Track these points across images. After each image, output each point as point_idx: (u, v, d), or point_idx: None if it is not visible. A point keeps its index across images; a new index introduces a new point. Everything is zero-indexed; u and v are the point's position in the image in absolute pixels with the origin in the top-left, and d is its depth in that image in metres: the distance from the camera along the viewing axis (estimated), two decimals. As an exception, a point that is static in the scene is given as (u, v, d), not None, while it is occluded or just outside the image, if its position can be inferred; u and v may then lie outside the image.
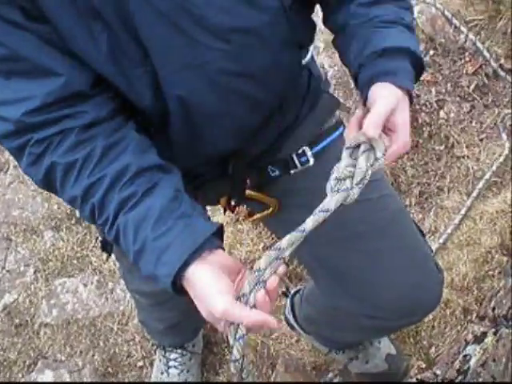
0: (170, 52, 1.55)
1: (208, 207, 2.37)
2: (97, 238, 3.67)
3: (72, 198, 1.58)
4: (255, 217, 2.14)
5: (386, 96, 1.58)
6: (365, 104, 1.64)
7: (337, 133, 2.07)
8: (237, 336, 1.42)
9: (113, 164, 1.54)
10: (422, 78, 3.79)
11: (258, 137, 1.88)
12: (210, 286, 1.41)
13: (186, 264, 1.43)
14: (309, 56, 2.00)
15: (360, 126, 1.56)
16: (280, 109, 1.87)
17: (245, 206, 2.20)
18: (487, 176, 3.45)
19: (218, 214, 3.30)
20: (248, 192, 2.04)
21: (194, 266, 1.43)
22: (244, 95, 1.73)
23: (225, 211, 2.16)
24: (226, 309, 1.37)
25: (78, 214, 1.64)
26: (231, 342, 1.44)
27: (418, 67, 1.73)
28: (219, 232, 1.55)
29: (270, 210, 2.06)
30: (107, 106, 1.59)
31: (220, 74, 1.62)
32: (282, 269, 1.46)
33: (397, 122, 1.58)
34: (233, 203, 2.09)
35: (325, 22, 1.87)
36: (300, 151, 1.97)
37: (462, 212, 3.37)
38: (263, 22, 1.64)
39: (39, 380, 3.28)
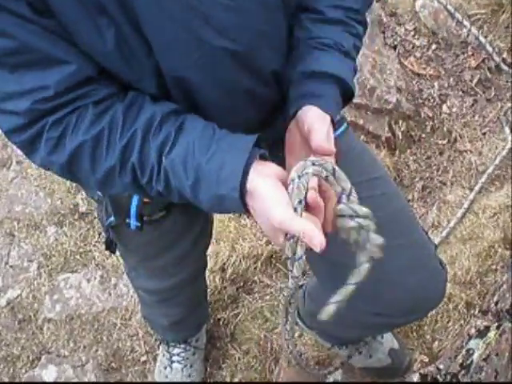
0: (173, 48, 1.54)
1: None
2: (100, 233, 3.67)
3: (109, 170, 1.54)
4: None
5: (319, 124, 1.60)
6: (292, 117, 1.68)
7: (341, 129, 2.07)
8: (296, 256, 1.47)
9: (138, 119, 1.53)
10: (422, 72, 3.82)
11: (264, 130, 1.88)
12: (270, 197, 1.41)
13: (245, 174, 1.43)
14: None
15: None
16: (284, 105, 1.88)
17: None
18: (490, 170, 3.45)
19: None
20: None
21: (253, 177, 1.43)
22: (248, 92, 1.73)
23: None
24: (284, 219, 1.37)
25: (115, 188, 1.56)
26: (289, 257, 1.47)
27: (346, 94, 1.75)
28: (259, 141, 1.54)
29: None
30: (116, 84, 1.59)
31: (224, 70, 1.62)
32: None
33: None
34: None
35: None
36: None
37: (465, 206, 3.37)
38: (268, 21, 1.65)
39: (43, 375, 3.28)
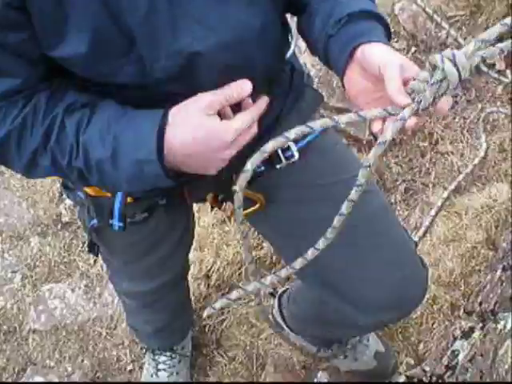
0: (157, 42, 1.55)
1: (195, 207, 2.40)
2: (83, 242, 3.67)
3: (32, 153, 1.59)
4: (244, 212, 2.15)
5: (385, 54, 1.50)
6: (343, 72, 1.59)
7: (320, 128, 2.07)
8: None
9: (60, 104, 1.58)
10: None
11: None
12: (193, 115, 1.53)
13: (161, 135, 1.50)
14: (291, 51, 1.99)
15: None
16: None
17: (232, 202, 2.20)
18: (468, 170, 3.46)
19: (205, 215, 3.30)
20: (234, 188, 2.04)
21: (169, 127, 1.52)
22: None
23: (212, 208, 2.17)
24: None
25: (37, 172, 1.67)
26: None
27: (386, 28, 1.68)
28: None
29: (257, 205, 2.05)
30: (47, 80, 1.62)
31: (206, 65, 1.62)
32: None
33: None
34: (220, 199, 2.09)
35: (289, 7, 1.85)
36: (285, 146, 1.96)
37: (439, 204, 3.40)
38: (250, 13, 1.65)
39: (29, 385, 3.28)
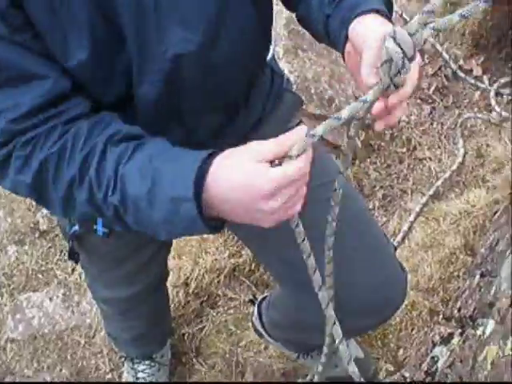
0: (144, 43, 1.57)
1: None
2: (61, 250, 3.67)
3: (70, 181, 1.51)
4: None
5: (367, 29, 1.46)
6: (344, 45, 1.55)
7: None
8: None
9: (101, 134, 1.53)
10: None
11: (223, 135, 1.87)
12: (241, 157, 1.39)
13: (201, 176, 1.38)
14: (270, 54, 2.01)
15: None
16: (245, 106, 1.88)
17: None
18: (446, 175, 3.48)
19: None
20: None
21: (213, 168, 1.39)
22: (210, 90, 1.75)
23: None
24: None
25: (74, 208, 1.57)
26: None
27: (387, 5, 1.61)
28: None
29: None
30: (86, 102, 1.60)
31: (190, 67, 1.65)
32: None
33: None
34: None
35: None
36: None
37: (417, 209, 3.41)
38: (231, 11, 1.66)
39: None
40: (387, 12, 1.54)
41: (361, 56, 1.42)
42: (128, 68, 1.61)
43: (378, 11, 1.50)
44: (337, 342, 2.38)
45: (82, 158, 1.49)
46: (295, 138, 1.38)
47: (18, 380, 3.29)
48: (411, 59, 1.29)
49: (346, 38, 1.53)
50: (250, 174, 1.36)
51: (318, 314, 2.13)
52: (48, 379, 3.28)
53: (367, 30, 1.45)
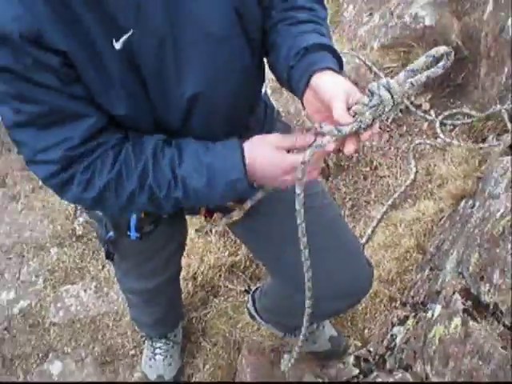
0: (164, 87, 1.62)
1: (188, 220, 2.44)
2: (93, 251, 3.69)
3: (130, 194, 1.62)
4: (226, 221, 2.16)
5: (332, 83, 1.53)
6: (302, 96, 1.61)
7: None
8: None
9: (145, 151, 1.62)
10: (349, 115, 3.85)
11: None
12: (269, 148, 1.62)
13: (243, 159, 1.61)
14: (264, 90, 2.02)
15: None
16: (246, 131, 1.89)
17: (219, 213, 2.21)
18: (402, 189, 3.49)
19: (191, 229, 3.30)
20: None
21: (248, 155, 1.62)
22: (218, 118, 1.78)
23: (205, 218, 2.18)
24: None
25: (134, 207, 1.74)
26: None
27: (338, 59, 1.68)
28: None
29: (238, 216, 2.07)
30: (120, 129, 1.66)
31: (199, 102, 1.68)
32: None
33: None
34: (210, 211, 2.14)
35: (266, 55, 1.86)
36: None
37: (378, 217, 3.41)
38: (237, 57, 1.71)
39: (51, 369, 3.25)
40: (339, 70, 1.61)
41: (325, 103, 1.49)
42: (152, 109, 1.64)
43: (332, 69, 1.56)
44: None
45: (139, 173, 1.60)
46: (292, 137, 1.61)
47: (59, 355, 3.29)
48: (398, 105, 1.40)
49: (305, 87, 1.58)
50: (274, 157, 1.61)
51: (302, 301, 2.14)
52: (83, 355, 3.28)
53: (332, 85, 1.51)
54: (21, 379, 3.24)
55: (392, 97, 1.40)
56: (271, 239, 1.97)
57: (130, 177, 1.61)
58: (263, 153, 1.63)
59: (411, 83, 1.42)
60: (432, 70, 1.43)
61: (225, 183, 1.62)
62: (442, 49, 1.44)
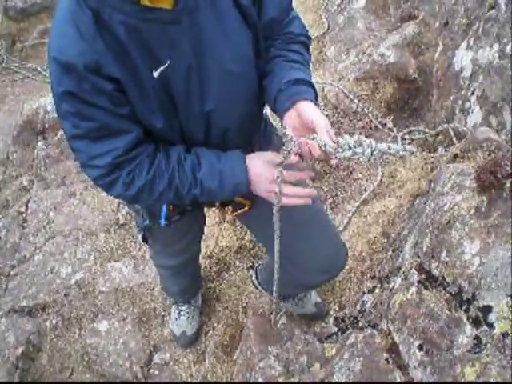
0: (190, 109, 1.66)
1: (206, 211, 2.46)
2: (132, 235, 3.70)
3: (161, 192, 1.69)
4: (236, 213, 2.17)
5: (317, 114, 1.60)
6: (284, 113, 1.68)
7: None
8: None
9: (172, 158, 1.68)
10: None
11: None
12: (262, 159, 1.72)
13: (246, 167, 1.70)
14: (264, 111, 2.04)
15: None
16: (249, 144, 1.92)
17: (230, 206, 2.23)
18: (371, 189, 3.50)
19: (208, 219, 3.32)
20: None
21: (249, 163, 1.71)
22: (232, 136, 1.81)
23: (219, 210, 2.24)
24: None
25: (162, 201, 1.86)
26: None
27: (315, 92, 1.76)
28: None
29: (246, 207, 2.09)
30: (153, 141, 1.71)
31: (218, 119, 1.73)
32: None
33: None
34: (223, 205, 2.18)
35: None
36: None
37: (352, 211, 3.42)
38: (247, 84, 1.77)
39: (99, 327, 3.27)
40: (316, 102, 1.70)
41: (307, 125, 1.59)
42: (180, 124, 1.67)
43: (312, 101, 1.66)
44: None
45: (169, 176, 1.67)
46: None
47: (106, 316, 3.30)
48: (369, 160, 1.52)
49: (290, 107, 1.65)
50: (264, 170, 1.69)
51: (292, 273, 2.15)
52: (124, 316, 3.29)
53: (315, 114, 1.59)
54: (76, 335, 3.26)
55: (371, 154, 1.49)
56: (269, 226, 1.99)
57: (161, 179, 1.66)
58: (258, 165, 1.70)
59: (387, 152, 1.51)
60: (401, 152, 1.51)
61: (232, 185, 1.69)
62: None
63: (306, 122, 1.59)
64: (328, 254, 2.15)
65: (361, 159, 1.51)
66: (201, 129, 1.72)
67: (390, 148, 1.50)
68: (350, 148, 1.50)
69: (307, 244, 2.10)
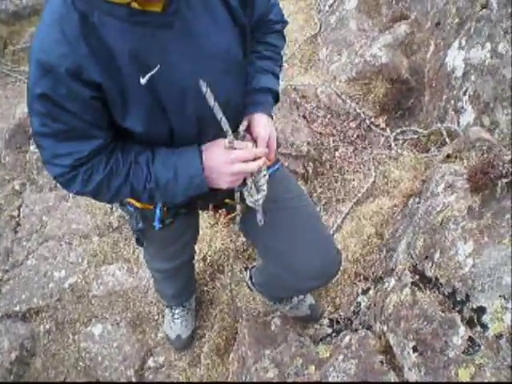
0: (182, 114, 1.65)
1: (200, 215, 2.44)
2: (126, 239, 3.68)
3: (119, 185, 1.66)
4: (230, 216, 2.16)
5: (263, 126, 1.82)
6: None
7: (277, 165, 2.10)
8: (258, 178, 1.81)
9: (129, 155, 1.66)
10: (322, 132, 3.86)
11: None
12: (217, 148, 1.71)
13: (201, 160, 1.66)
14: None
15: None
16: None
17: (224, 209, 2.22)
18: (364, 189, 3.49)
19: (201, 222, 3.31)
20: (226, 200, 2.07)
21: (204, 155, 1.68)
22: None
23: (214, 213, 2.23)
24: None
25: (119, 197, 1.78)
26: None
27: (276, 97, 1.95)
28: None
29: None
30: (115, 139, 1.68)
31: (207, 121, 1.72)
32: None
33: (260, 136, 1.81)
34: (212, 207, 2.17)
35: None
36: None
37: (346, 211, 3.41)
38: (240, 92, 1.82)
39: (93, 330, 3.23)
40: (271, 115, 1.91)
41: (254, 134, 1.83)
42: (170, 131, 1.65)
43: (269, 115, 1.88)
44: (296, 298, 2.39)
45: (125, 172, 1.65)
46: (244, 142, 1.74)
47: (100, 320, 3.28)
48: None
49: (247, 113, 1.86)
50: (222, 153, 1.69)
51: (285, 279, 2.14)
52: (118, 319, 3.27)
53: (263, 126, 1.83)
54: (70, 339, 3.24)
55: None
56: (261, 231, 1.98)
57: (118, 175, 1.65)
58: (215, 151, 1.69)
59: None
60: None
61: (185, 177, 1.66)
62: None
63: (253, 132, 1.81)
64: (321, 260, 2.12)
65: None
66: (193, 131, 1.71)
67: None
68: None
69: (300, 250, 2.09)
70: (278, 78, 1.97)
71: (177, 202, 1.79)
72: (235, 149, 1.69)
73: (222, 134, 1.73)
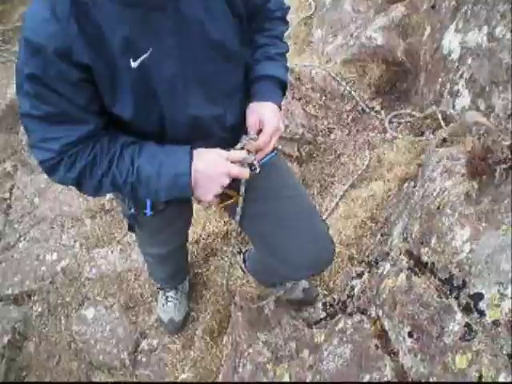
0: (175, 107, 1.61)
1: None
2: (119, 222, 3.65)
3: (101, 175, 1.60)
4: (223, 204, 2.12)
5: (269, 117, 1.78)
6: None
7: (272, 154, 2.05)
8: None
9: (116, 144, 1.60)
10: (317, 114, 3.82)
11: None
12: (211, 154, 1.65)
13: (190, 160, 1.59)
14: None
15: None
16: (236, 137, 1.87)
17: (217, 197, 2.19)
18: (359, 173, 3.48)
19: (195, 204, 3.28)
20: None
21: (195, 159, 1.61)
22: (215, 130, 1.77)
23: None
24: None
25: (101, 191, 1.67)
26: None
27: (283, 87, 1.90)
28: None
29: (233, 199, 2.04)
30: (105, 126, 1.63)
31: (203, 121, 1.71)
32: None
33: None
34: None
35: None
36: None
37: (341, 194, 3.40)
38: (238, 89, 1.81)
39: (86, 314, 3.21)
40: (280, 102, 1.88)
41: (261, 123, 1.80)
42: (161, 118, 1.61)
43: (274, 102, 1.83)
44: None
45: (108, 161, 1.59)
46: (237, 154, 1.69)
47: (93, 303, 3.26)
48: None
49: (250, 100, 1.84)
50: (216, 160, 1.63)
51: (277, 268, 2.12)
52: (111, 302, 3.25)
53: (268, 115, 1.79)
54: (63, 322, 3.22)
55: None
56: (252, 219, 1.96)
57: (100, 162, 1.59)
58: (209, 156, 1.63)
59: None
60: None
61: (170, 175, 1.59)
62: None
63: (257, 120, 1.78)
64: (314, 250, 2.09)
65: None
66: (185, 120, 1.67)
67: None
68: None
69: (293, 240, 2.06)
70: (281, 62, 1.92)
71: (162, 200, 1.71)
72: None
73: (216, 124, 1.71)
